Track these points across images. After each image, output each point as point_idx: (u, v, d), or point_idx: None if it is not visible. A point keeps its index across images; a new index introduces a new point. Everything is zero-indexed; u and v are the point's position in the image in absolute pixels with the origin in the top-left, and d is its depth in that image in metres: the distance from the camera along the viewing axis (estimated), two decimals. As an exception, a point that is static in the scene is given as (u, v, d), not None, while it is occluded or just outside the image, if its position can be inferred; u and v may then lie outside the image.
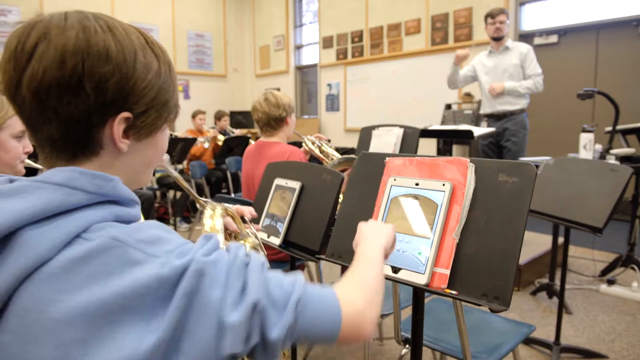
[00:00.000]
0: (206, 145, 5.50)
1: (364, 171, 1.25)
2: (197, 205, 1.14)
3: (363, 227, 0.98)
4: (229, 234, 1.06)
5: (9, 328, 0.52)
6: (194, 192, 1.13)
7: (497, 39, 4.01)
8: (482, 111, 4.26)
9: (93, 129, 0.61)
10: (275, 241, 1.59)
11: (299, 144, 2.75)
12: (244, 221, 1.12)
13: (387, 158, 1.20)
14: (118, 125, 0.62)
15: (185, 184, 1.12)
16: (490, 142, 4.11)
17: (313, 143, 2.68)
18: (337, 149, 7.05)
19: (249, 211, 1.12)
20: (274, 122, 2.44)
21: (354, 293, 0.72)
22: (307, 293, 0.64)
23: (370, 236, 0.93)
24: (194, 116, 5.88)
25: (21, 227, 0.54)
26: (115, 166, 0.65)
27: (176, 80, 0.71)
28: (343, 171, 1.74)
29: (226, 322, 0.55)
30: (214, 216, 0.97)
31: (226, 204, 1.07)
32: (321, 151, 2.65)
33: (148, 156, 0.70)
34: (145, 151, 0.69)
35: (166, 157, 1.17)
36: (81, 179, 0.58)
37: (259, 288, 0.59)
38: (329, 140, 3.57)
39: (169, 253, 0.56)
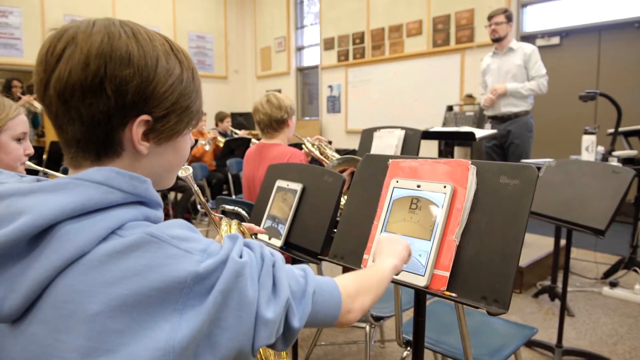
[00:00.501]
0: (207, 147, 5.51)
1: (367, 173, 1.25)
2: (211, 219, 1.16)
3: (382, 240, 1.02)
4: None
5: (43, 319, 0.54)
6: (208, 206, 1.15)
7: (495, 41, 4.01)
8: (486, 112, 4.23)
9: (113, 130, 0.63)
10: (277, 243, 1.59)
11: (299, 146, 2.75)
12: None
13: (390, 160, 1.20)
14: (137, 128, 0.64)
15: (202, 198, 1.15)
16: (494, 145, 4.10)
17: (313, 145, 2.68)
18: (338, 151, 7.04)
19: (258, 230, 1.17)
20: (275, 123, 2.44)
21: (350, 283, 0.80)
22: (317, 283, 0.72)
23: (384, 254, 0.97)
24: None
25: (61, 222, 0.56)
26: (136, 168, 0.66)
27: (200, 88, 0.73)
28: (343, 171, 1.74)
29: (264, 317, 0.60)
30: (229, 232, 1.00)
31: (241, 222, 1.10)
32: (321, 153, 2.65)
33: (168, 160, 0.72)
34: (166, 155, 0.71)
35: (190, 170, 1.18)
36: (119, 178, 0.61)
37: (286, 284, 0.65)
38: (330, 142, 3.57)
39: (202, 252, 0.59)
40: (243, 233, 1.09)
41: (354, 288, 0.80)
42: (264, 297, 0.62)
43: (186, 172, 1.19)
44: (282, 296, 0.64)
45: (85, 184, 0.59)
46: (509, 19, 3.96)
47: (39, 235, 0.56)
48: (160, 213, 0.67)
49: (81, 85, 0.59)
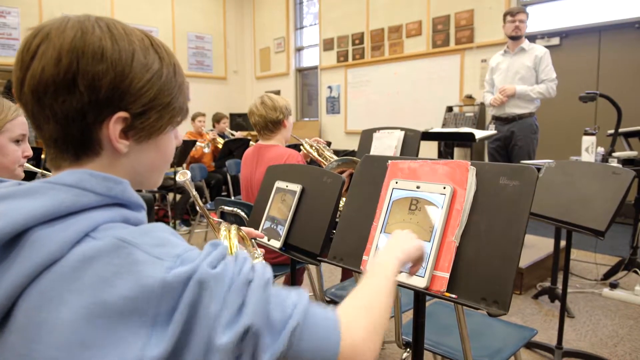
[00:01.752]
0: (206, 150, 5.50)
1: (366, 174, 1.25)
2: (210, 224, 1.17)
3: (391, 236, 0.96)
4: None
5: (17, 327, 0.52)
6: (207, 213, 1.15)
7: (516, 38, 3.95)
8: (491, 112, 4.21)
9: (90, 128, 0.61)
10: (276, 244, 1.58)
11: (297, 147, 2.75)
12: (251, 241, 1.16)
13: (389, 161, 1.19)
14: (114, 125, 0.62)
15: (200, 203, 1.15)
16: (498, 146, 4.09)
17: (311, 146, 2.67)
18: (338, 152, 7.05)
19: (257, 235, 1.15)
20: (271, 124, 2.43)
21: (357, 320, 0.67)
22: (308, 317, 0.61)
23: (389, 249, 0.90)
24: (193, 119, 5.88)
25: (32, 227, 0.55)
26: (116, 167, 0.65)
27: (184, 85, 0.70)
28: (342, 173, 1.74)
29: (215, 343, 0.53)
30: (229, 237, 0.99)
31: (240, 226, 1.10)
32: (319, 154, 2.64)
33: (151, 159, 0.70)
34: (147, 154, 0.68)
35: (188, 175, 1.18)
36: (92, 180, 0.60)
37: (257, 309, 0.56)
38: (330, 144, 3.55)
39: (175, 258, 0.55)
40: (243, 238, 1.09)
41: (363, 329, 0.67)
42: (224, 318, 0.54)
43: (184, 176, 1.19)
44: (241, 322, 0.55)
45: (57, 187, 0.58)
46: (527, 17, 3.94)
47: (12, 242, 0.54)
48: (141, 215, 0.65)
49: (54, 82, 0.58)
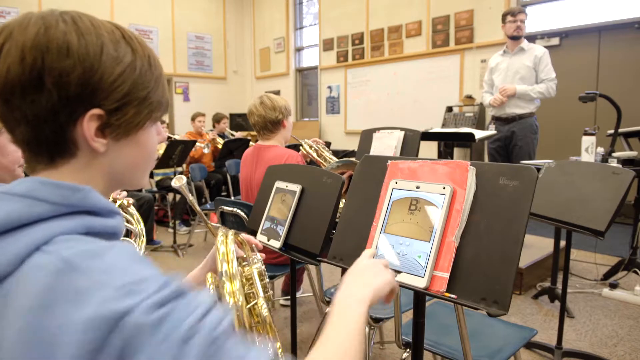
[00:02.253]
0: (206, 150, 5.50)
1: (366, 174, 1.25)
2: (208, 228, 1.16)
3: (359, 267, 0.85)
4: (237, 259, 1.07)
5: None
6: (205, 218, 1.15)
7: (516, 38, 3.96)
8: (491, 112, 4.21)
9: (63, 127, 0.59)
10: (276, 244, 1.58)
11: (297, 148, 2.75)
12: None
13: (389, 161, 1.19)
14: (88, 123, 0.59)
15: (198, 208, 1.14)
16: (498, 146, 4.09)
17: (311, 147, 2.67)
18: (338, 152, 7.05)
19: (255, 242, 1.13)
20: (270, 125, 2.44)
21: None
22: None
23: (357, 285, 0.78)
24: (193, 119, 5.89)
25: None
26: (94, 168, 0.63)
27: (161, 76, 0.68)
28: (341, 174, 1.73)
29: None
30: (225, 242, 0.97)
31: (238, 232, 1.08)
32: (319, 155, 2.64)
33: (131, 157, 0.66)
34: (128, 151, 0.65)
35: (184, 180, 1.18)
36: (43, 189, 0.56)
37: None
38: (329, 144, 3.55)
39: (119, 288, 0.48)
40: (241, 243, 1.08)
41: None
42: None
43: (180, 182, 1.19)
44: None
45: (6, 197, 0.55)
46: (526, 18, 3.95)
47: None
48: (114, 221, 0.62)
49: (20, 81, 0.55)
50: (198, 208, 1.12)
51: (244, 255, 1.07)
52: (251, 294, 0.99)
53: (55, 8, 0.61)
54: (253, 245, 1.12)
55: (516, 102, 3.93)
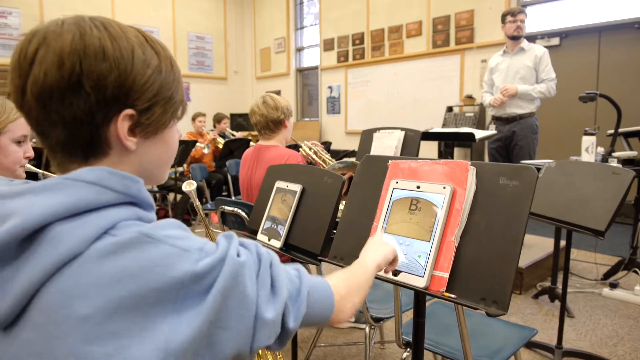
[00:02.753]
0: (206, 150, 5.50)
1: (367, 174, 1.25)
2: (208, 234, 1.16)
3: (369, 241, 1.05)
4: None
5: (35, 325, 0.52)
6: (207, 223, 1.15)
7: (517, 38, 3.96)
8: (491, 112, 4.22)
9: (98, 128, 0.61)
10: (276, 244, 1.59)
11: (296, 148, 2.75)
12: None
13: (389, 161, 1.19)
14: (122, 123, 0.62)
15: (202, 214, 1.15)
16: (498, 146, 4.09)
17: (310, 149, 2.67)
18: (338, 152, 7.05)
19: None
20: (272, 124, 2.44)
21: (340, 283, 0.81)
22: (310, 284, 0.72)
23: (369, 250, 0.99)
24: (193, 118, 5.89)
25: (51, 223, 0.54)
26: (125, 165, 0.66)
27: (180, 77, 0.71)
28: (342, 175, 1.74)
29: (264, 318, 0.60)
30: None
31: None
32: (318, 157, 2.65)
33: (158, 154, 0.70)
34: (155, 149, 0.69)
35: (194, 185, 1.18)
36: (112, 178, 0.60)
37: (284, 284, 0.66)
38: (330, 144, 3.55)
39: (199, 250, 0.57)
40: None
41: (345, 289, 0.81)
42: (263, 297, 0.61)
43: (190, 186, 1.19)
44: (281, 296, 0.64)
45: (77, 184, 0.58)
46: (526, 18, 3.96)
47: (30, 238, 0.54)
48: (152, 215, 0.65)
49: (59, 86, 0.58)
50: (202, 214, 1.12)
51: None
52: None
53: (81, 14, 0.64)
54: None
55: (516, 102, 3.93)
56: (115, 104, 0.61)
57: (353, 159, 2.25)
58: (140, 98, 0.63)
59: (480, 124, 5.82)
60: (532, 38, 5.65)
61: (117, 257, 0.54)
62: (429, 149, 5.84)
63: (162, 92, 0.66)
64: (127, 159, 0.66)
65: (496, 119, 4.10)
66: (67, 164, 0.64)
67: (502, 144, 4.06)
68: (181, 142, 4.63)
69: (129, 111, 0.62)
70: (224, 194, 5.56)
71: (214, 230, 1.10)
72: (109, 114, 0.61)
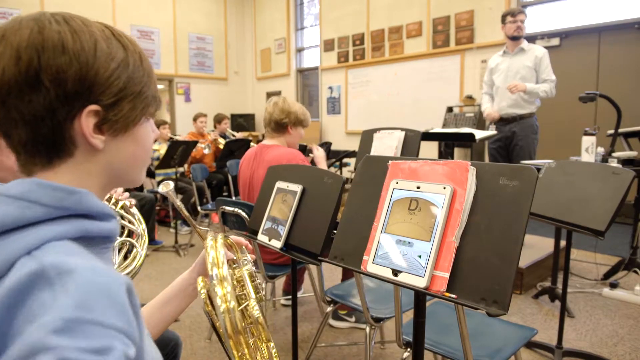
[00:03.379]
0: (206, 151, 5.50)
1: (367, 174, 1.25)
2: (197, 232, 1.16)
3: None
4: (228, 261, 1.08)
5: None
6: (194, 222, 1.15)
7: (516, 39, 3.97)
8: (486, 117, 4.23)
9: (61, 125, 0.59)
10: (277, 244, 1.59)
11: (301, 148, 2.77)
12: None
13: (389, 161, 1.20)
14: (87, 119, 0.59)
15: (185, 213, 1.15)
16: (499, 146, 4.10)
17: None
18: (338, 152, 7.04)
19: (245, 244, 1.13)
20: (274, 124, 2.47)
21: None
22: None
23: None
24: (195, 119, 5.90)
25: None
26: (92, 166, 0.63)
27: (152, 73, 0.69)
28: None
29: None
30: (215, 247, 0.97)
31: (228, 235, 1.08)
32: None
33: (129, 152, 0.67)
34: (125, 147, 0.66)
35: (170, 186, 1.18)
36: (39, 191, 0.56)
37: None
38: (330, 144, 3.55)
39: (59, 320, 0.44)
40: (230, 246, 1.08)
41: None
42: None
43: (167, 187, 1.20)
44: None
45: (1, 199, 0.54)
46: (526, 18, 3.96)
47: None
48: (110, 225, 0.61)
49: (16, 81, 0.56)
50: (186, 212, 1.12)
51: (234, 258, 1.08)
52: (243, 296, 1.01)
53: (45, 11, 0.61)
54: (243, 247, 1.12)
55: (517, 102, 3.94)
56: (78, 99, 0.58)
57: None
58: (104, 92, 0.60)
59: (480, 124, 5.82)
60: (532, 38, 5.65)
61: (9, 280, 0.48)
62: (429, 149, 5.84)
63: (130, 87, 0.63)
64: (94, 158, 0.63)
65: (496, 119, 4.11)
66: (30, 166, 0.61)
67: (503, 144, 4.07)
68: (182, 143, 4.64)
69: (93, 107, 0.59)
70: (225, 194, 5.56)
71: (202, 228, 1.10)
72: (71, 111, 0.58)
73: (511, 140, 4.01)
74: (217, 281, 0.90)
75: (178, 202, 1.14)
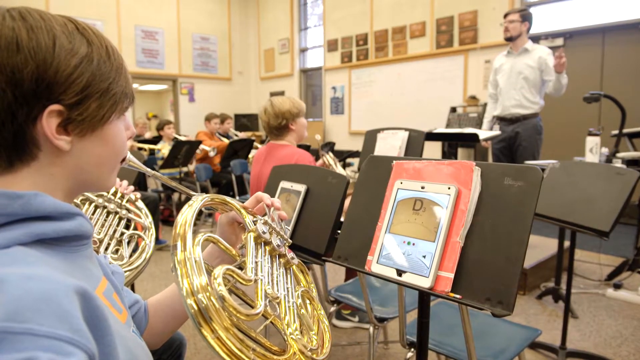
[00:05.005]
0: (212, 154, 5.52)
1: (371, 174, 1.26)
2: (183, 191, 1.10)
3: None
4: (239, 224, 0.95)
5: None
6: (179, 186, 1.10)
7: (507, 39, 3.99)
8: (495, 113, 4.22)
9: (22, 128, 0.55)
10: (280, 244, 1.59)
11: (306, 147, 2.77)
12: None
13: (394, 161, 1.20)
14: (48, 120, 0.56)
15: (164, 179, 1.11)
16: (502, 147, 4.10)
17: (334, 160, 2.72)
18: (342, 152, 7.06)
19: (267, 197, 0.95)
20: (275, 130, 2.48)
21: None
22: None
23: None
24: (208, 119, 5.90)
25: None
26: (57, 169, 0.60)
27: (121, 67, 0.65)
28: None
29: None
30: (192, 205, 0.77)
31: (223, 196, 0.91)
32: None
33: (97, 153, 0.63)
34: (93, 148, 0.62)
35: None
36: None
37: None
38: (334, 144, 3.55)
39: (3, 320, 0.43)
40: (223, 203, 0.90)
41: None
42: None
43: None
44: None
45: None
46: (524, 18, 3.93)
47: None
48: (70, 223, 0.58)
49: None
50: (165, 178, 1.07)
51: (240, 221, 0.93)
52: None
53: (2, 5, 0.58)
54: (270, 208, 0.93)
55: (520, 103, 3.94)
56: (37, 99, 0.55)
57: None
58: (66, 91, 0.57)
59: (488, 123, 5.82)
60: (536, 38, 5.64)
61: None
62: (433, 149, 5.84)
63: (95, 84, 0.60)
64: (60, 160, 0.60)
65: (500, 120, 4.11)
66: None
67: (506, 144, 4.06)
68: (185, 143, 4.65)
69: (54, 107, 0.56)
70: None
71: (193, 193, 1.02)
72: (31, 112, 0.55)
73: (515, 141, 4.00)
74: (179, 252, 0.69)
75: (152, 171, 1.09)
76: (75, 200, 1.43)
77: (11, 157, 0.57)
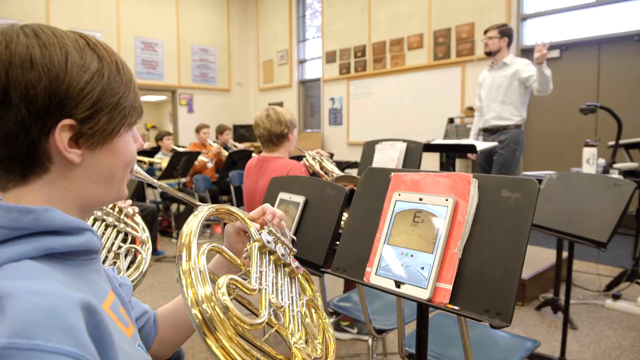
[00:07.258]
0: (210, 165, 5.53)
1: (369, 186, 1.26)
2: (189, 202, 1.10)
3: None
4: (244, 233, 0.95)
5: None
6: (185, 196, 1.11)
7: (487, 54, 4.09)
8: (479, 125, 4.29)
9: (35, 142, 0.57)
10: (279, 255, 1.59)
11: (300, 159, 2.77)
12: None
13: (392, 173, 1.21)
14: (60, 134, 0.57)
15: (171, 190, 1.12)
16: (485, 155, 4.14)
17: (314, 158, 2.69)
18: (340, 163, 7.07)
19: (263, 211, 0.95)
20: (275, 138, 2.46)
21: None
22: None
23: None
24: (198, 130, 5.93)
25: None
26: (69, 181, 0.61)
27: (131, 82, 0.66)
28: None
29: None
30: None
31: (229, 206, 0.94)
32: (321, 167, 2.66)
33: (107, 166, 0.64)
34: (104, 160, 0.64)
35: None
36: None
37: None
38: (332, 155, 3.56)
39: (9, 330, 0.44)
40: (229, 213, 0.91)
41: None
42: None
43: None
44: None
45: None
46: (502, 34, 3.96)
47: None
48: (79, 238, 0.60)
49: None
50: (170, 188, 1.07)
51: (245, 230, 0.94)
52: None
53: (15, 23, 0.60)
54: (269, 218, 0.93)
55: (500, 115, 3.99)
56: (50, 114, 0.56)
57: (353, 174, 2.25)
58: (78, 106, 0.58)
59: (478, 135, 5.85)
60: (531, 51, 5.66)
61: None
62: (431, 160, 5.85)
63: (106, 98, 0.61)
64: (71, 173, 0.61)
65: (483, 131, 4.19)
66: (4, 182, 0.59)
67: (487, 154, 4.11)
68: (184, 154, 4.66)
69: (67, 121, 0.58)
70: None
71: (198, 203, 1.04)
72: (45, 126, 0.57)
73: (494, 149, 4.03)
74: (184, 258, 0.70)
75: (158, 182, 1.10)
76: None
77: (24, 170, 0.58)
